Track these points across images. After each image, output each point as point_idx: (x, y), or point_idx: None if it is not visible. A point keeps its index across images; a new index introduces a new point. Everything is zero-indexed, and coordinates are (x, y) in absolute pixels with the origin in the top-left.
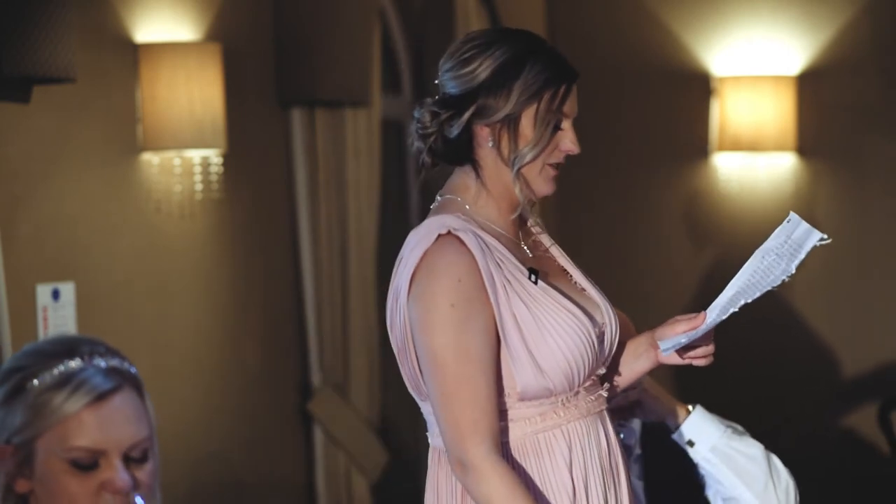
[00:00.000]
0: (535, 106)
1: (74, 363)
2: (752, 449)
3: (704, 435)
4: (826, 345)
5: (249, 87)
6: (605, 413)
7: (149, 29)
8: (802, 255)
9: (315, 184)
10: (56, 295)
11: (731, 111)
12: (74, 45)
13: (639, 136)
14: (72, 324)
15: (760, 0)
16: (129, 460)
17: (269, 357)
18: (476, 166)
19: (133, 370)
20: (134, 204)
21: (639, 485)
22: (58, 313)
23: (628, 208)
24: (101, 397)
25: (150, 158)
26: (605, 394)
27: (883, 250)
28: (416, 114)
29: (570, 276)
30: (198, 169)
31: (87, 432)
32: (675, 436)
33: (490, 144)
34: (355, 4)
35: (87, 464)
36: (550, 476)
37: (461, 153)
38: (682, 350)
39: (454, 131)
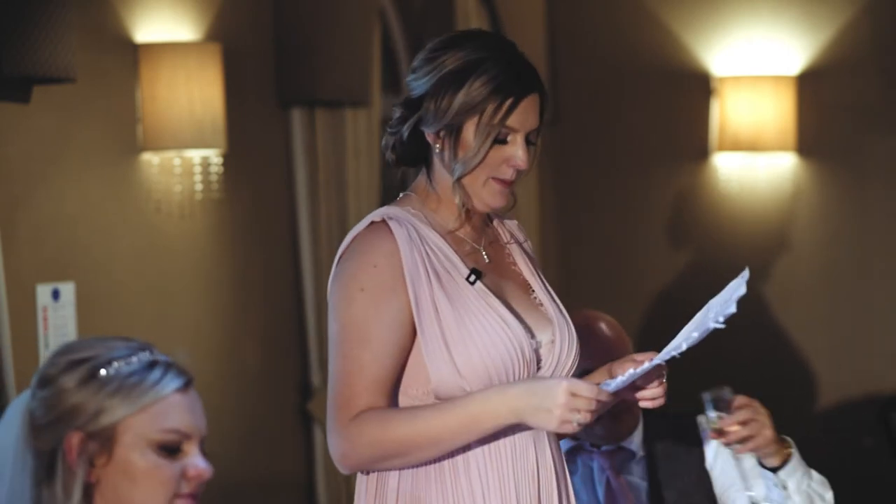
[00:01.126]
0: (477, 117)
1: (147, 354)
2: (828, 493)
3: (794, 479)
4: (826, 345)
5: (249, 87)
6: (546, 435)
7: (149, 29)
8: (733, 308)
9: (315, 184)
10: (56, 295)
11: (731, 111)
12: (74, 45)
13: (639, 136)
14: (72, 324)
15: (760, 0)
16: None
17: (269, 357)
18: (428, 169)
19: None
20: (134, 204)
21: (642, 486)
22: (58, 313)
23: (628, 208)
24: (187, 385)
25: (150, 158)
26: None
27: (883, 250)
28: (394, 110)
29: (532, 290)
30: (198, 169)
31: (180, 414)
32: (769, 477)
33: (437, 150)
34: (355, 4)
35: (174, 447)
36: (464, 491)
37: (414, 155)
38: (632, 389)
39: (405, 133)
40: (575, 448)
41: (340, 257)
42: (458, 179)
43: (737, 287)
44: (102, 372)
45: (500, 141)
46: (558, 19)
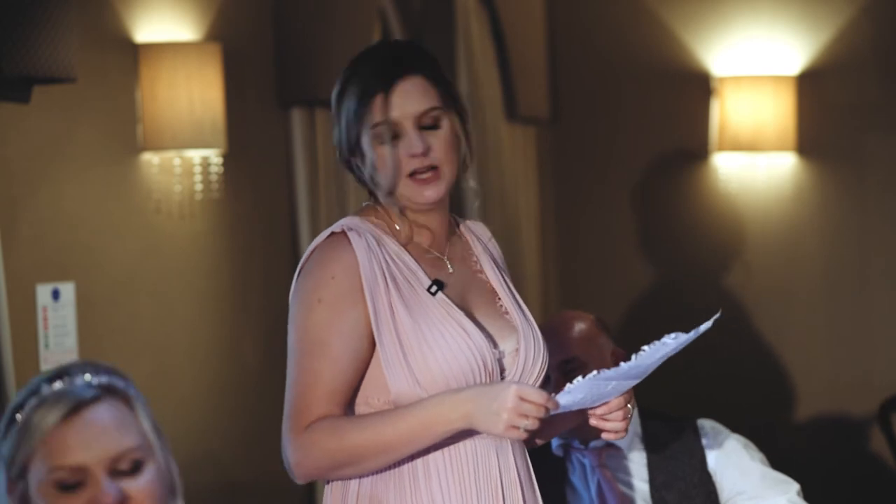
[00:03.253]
0: (366, 130)
1: (57, 384)
2: None
3: None
4: (826, 345)
5: (249, 87)
6: (510, 444)
7: (149, 29)
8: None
9: (315, 184)
10: (56, 295)
11: (731, 111)
12: (74, 45)
13: (639, 136)
14: (72, 324)
15: (760, 0)
16: (119, 473)
17: (269, 357)
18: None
19: (119, 383)
20: (134, 204)
21: (643, 487)
22: (58, 313)
23: (628, 208)
24: (75, 410)
25: (150, 158)
26: None
27: (883, 250)
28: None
29: (498, 298)
30: (198, 169)
31: (65, 449)
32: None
33: (357, 173)
34: (355, 4)
35: (72, 483)
36: (423, 496)
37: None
38: (593, 416)
39: (344, 162)
40: (564, 446)
41: (301, 269)
42: (390, 194)
43: (697, 333)
44: (18, 416)
45: (395, 138)
46: (558, 19)
